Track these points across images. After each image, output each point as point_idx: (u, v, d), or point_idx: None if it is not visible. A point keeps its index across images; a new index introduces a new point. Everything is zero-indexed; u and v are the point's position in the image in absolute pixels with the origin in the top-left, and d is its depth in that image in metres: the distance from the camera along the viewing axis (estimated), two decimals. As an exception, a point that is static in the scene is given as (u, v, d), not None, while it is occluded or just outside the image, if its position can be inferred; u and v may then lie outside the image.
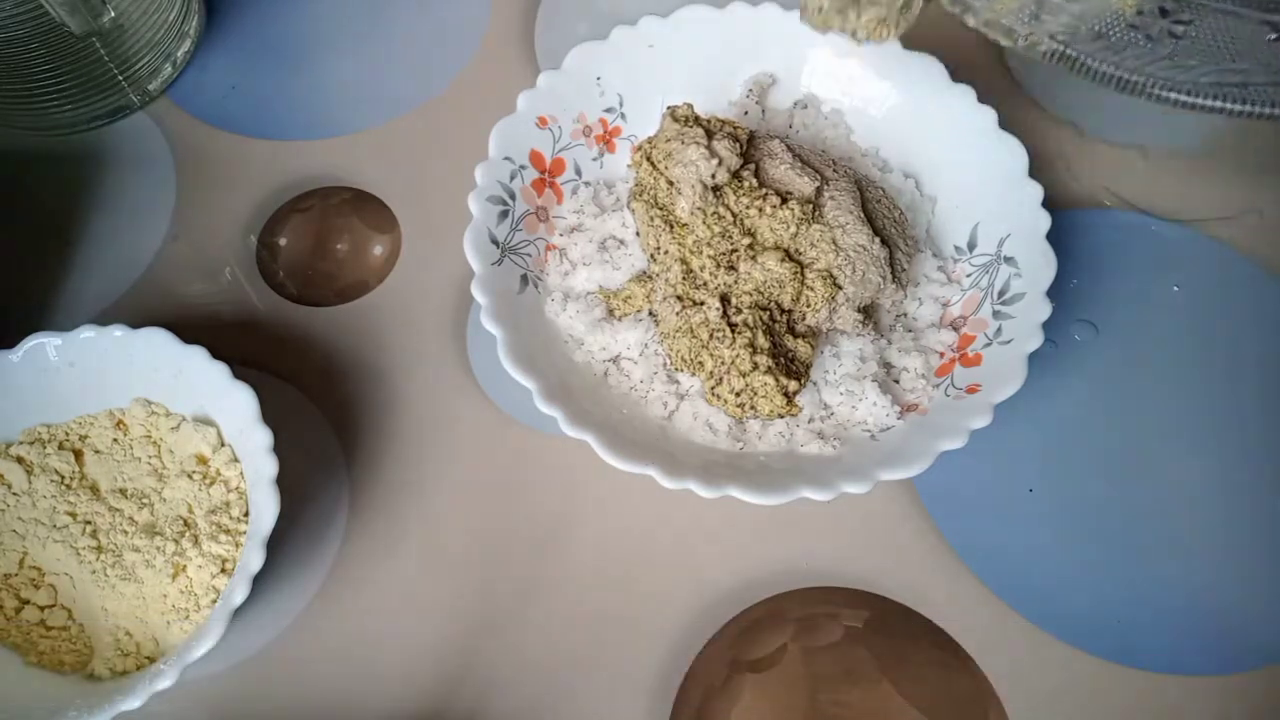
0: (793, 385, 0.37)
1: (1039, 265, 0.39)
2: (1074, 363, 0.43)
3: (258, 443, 0.36)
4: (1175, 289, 0.45)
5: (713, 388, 0.37)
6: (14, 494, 0.38)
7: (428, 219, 0.47)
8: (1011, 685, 0.37)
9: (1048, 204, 0.40)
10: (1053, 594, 0.38)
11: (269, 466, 0.35)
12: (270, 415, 0.37)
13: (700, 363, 0.38)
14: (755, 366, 0.36)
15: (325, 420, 0.42)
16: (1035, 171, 0.41)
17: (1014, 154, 0.41)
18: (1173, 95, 0.36)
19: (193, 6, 0.52)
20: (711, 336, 0.37)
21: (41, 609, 0.36)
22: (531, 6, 0.54)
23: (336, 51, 0.53)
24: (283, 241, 0.47)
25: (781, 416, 0.37)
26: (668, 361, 0.39)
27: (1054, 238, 0.39)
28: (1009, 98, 0.50)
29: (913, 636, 0.37)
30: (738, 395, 0.37)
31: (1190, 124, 0.49)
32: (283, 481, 0.35)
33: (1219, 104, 0.35)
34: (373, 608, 0.39)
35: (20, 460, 0.38)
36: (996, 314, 0.39)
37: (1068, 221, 0.46)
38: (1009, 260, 0.40)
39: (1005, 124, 0.42)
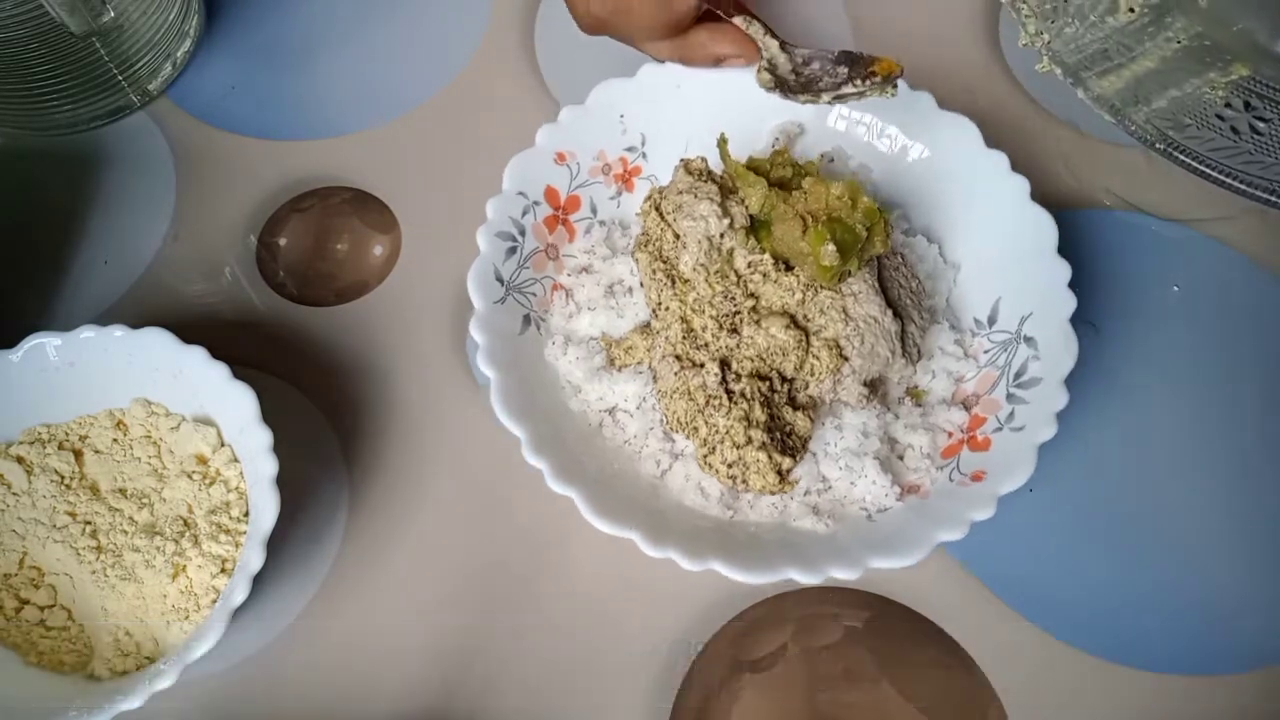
0: (786, 463, 0.35)
1: (1060, 350, 0.37)
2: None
3: (258, 443, 0.36)
4: (1175, 289, 0.45)
5: (705, 456, 0.36)
6: (14, 494, 0.38)
7: (428, 219, 0.47)
8: (1011, 685, 0.37)
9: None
10: (1052, 594, 0.38)
11: (269, 466, 0.35)
12: (270, 415, 0.37)
13: (695, 428, 0.37)
14: (749, 441, 0.35)
15: (325, 420, 0.42)
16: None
17: (1044, 228, 0.39)
18: (1252, 190, 0.36)
19: (193, 6, 0.52)
20: (708, 403, 0.36)
21: (41, 609, 0.36)
22: (531, 6, 0.54)
23: (336, 51, 0.53)
24: (283, 241, 0.47)
25: (773, 494, 0.36)
26: (664, 419, 0.38)
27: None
28: (1009, 97, 0.50)
29: (913, 636, 0.37)
30: (730, 467, 0.36)
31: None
32: (283, 481, 0.35)
33: None
34: (373, 608, 0.39)
35: (20, 460, 0.38)
36: (1011, 397, 0.37)
37: (1068, 221, 0.45)
38: (1029, 341, 0.38)
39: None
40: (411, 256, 0.46)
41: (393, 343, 0.44)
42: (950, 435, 0.38)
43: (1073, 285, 0.38)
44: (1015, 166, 0.40)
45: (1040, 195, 0.40)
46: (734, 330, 0.37)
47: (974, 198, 0.41)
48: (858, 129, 0.44)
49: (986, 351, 0.39)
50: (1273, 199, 0.37)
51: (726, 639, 0.37)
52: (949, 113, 0.42)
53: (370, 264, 0.46)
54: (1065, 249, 0.39)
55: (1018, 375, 0.38)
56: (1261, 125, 0.38)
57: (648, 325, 0.40)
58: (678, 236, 0.38)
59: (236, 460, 0.38)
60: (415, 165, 0.49)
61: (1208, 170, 0.38)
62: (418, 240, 0.47)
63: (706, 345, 0.38)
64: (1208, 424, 0.42)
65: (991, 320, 0.40)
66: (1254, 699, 0.37)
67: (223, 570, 0.36)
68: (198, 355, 0.38)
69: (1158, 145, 0.38)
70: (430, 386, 0.43)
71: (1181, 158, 0.38)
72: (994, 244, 0.41)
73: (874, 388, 0.38)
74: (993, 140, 0.41)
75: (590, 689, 0.37)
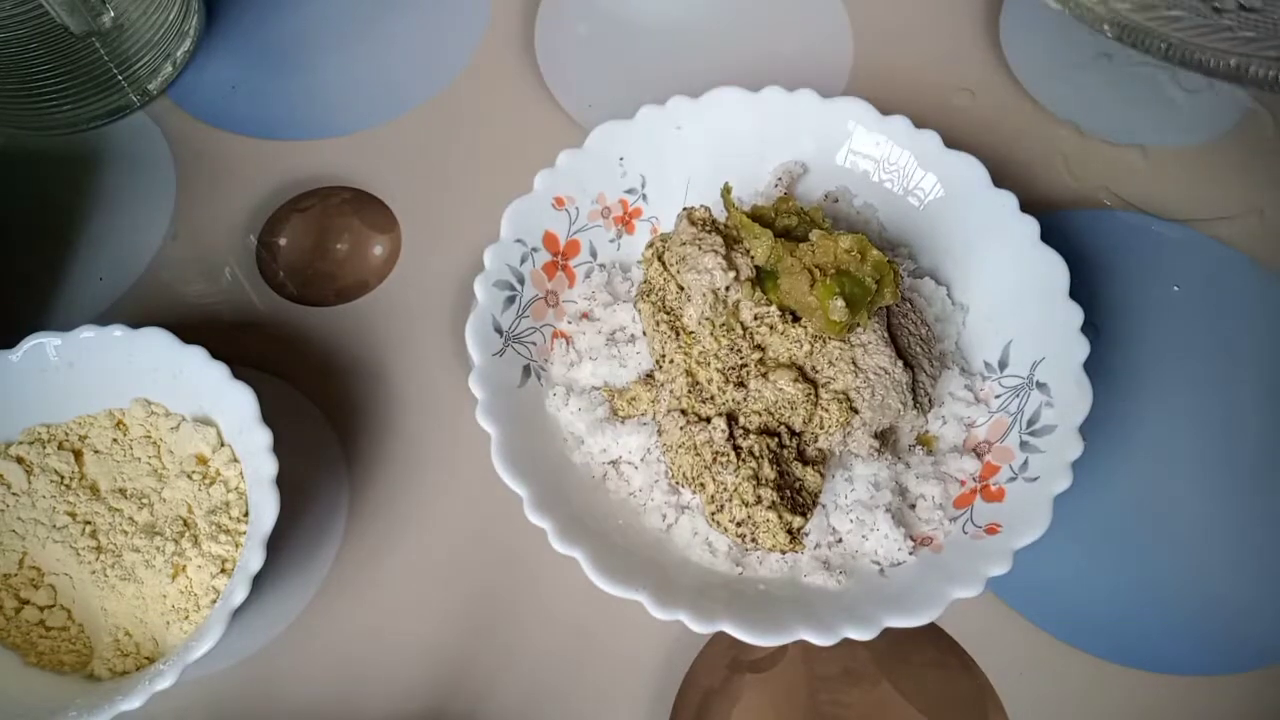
0: (797, 521, 0.34)
1: (1073, 397, 0.36)
2: (1074, 363, 0.43)
3: (257, 443, 0.36)
4: (1175, 289, 0.45)
5: (713, 513, 0.35)
6: (14, 494, 0.38)
7: (428, 219, 0.47)
8: (1011, 685, 0.37)
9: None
10: (1052, 594, 0.38)
11: (269, 466, 0.35)
12: (270, 415, 0.37)
13: (702, 484, 0.36)
14: (759, 500, 0.34)
15: (325, 420, 0.42)
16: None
17: (1055, 269, 0.38)
18: (1223, 67, 0.35)
19: (192, 6, 0.52)
20: (715, 459, 0.35)
21: (41, 609, 0.36)
22: (531, 6, 0.54)
23: (336, 51, 0.53)
24: (283, 241, 0.47)
25: (784, 553, 0.35)
26: (669, 472, 0.37)
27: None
28: (1009, 97, 0.50)
29: (912, 637, 0.37)
30: (739, 525, 0.35)
31: (1191, 123, 0.49)
32: (283, 481, 0.35)
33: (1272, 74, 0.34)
34: (373, 608, 0.39)
35: (20, 460, 0.38)
36: (1024, 445, 0.37)
37: (1068, 221, 0.46)
38: (1041, 387, 0.37)
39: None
40: (411, 256, 0.46)
41: (393, 343, 0.44)
42: (963, 484, 0.37)
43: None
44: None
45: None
46: (741, 383, 0.37)
47: (983, 238, 0.40)
48: (863, 167, 0.43)
49: (998, 396, 0.38)
50: (1243, 78, 0.36)
51: (726, 639, 0.37)
52: (956, 151, 0.41)
53: (370, 264, 0.46)
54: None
55: (1030, 422, 0.37)
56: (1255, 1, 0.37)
57: (651, 375, 0.39)
58: (681, 288, 0.37)
59: (236, 460, 0.38)
60: (415, 165, 0.49)
61: (1171, 49, 0.36)
62: (418, 240, 0.47)
63: (712, 399, 0.37)
64: (1207, 424, 0.42)
65: (1002, 364, 0.39)
66: (1254, 699, 0.37)
67: (223, 570, 0.36)
68: (197, 355, 0.38)
69: (1105, 28, 0.37)
70: (430, 386, 0.43)
71: (1136, 39, 0.36)
72: (1003, 285, 0.40)
73: (884, 439, 0.37)
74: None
75: (591, 687, 0.37)
